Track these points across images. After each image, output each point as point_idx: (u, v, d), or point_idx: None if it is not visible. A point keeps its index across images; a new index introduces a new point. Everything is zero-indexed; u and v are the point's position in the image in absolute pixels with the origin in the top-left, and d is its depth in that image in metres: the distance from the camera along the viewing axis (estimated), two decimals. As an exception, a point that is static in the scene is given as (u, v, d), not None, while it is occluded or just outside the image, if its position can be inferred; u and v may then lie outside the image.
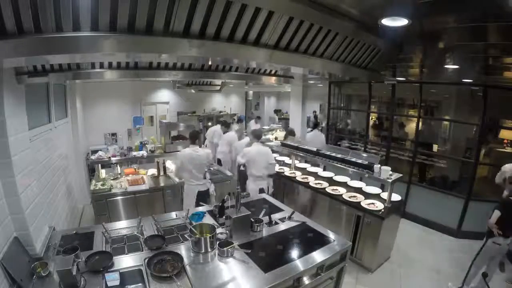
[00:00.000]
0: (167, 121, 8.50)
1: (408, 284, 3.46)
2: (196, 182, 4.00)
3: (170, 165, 5.20)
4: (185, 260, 2.20)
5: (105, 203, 4.28)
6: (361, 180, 4.64)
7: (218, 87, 6.94)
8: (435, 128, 5.76)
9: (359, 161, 3.97)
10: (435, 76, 4.71)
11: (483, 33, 2.18)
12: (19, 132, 2.14)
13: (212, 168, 5.37)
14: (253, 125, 10.85)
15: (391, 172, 3.65)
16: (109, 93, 7.41)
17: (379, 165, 3.68)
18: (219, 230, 2.64)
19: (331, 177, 4.72)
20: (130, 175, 4.89)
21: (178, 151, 5.11)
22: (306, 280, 2.25)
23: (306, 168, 5.31)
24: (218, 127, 6.68)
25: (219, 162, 6.12)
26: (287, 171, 5.13)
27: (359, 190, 4.15)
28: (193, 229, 2.50)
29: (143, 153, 5.93)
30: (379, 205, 3.59)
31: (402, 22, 2.01)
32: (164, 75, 3.23)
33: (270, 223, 2.89)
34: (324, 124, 7.84)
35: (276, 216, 3.01)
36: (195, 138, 4.06)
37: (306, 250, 2.45)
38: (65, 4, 1.32)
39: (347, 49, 2.58)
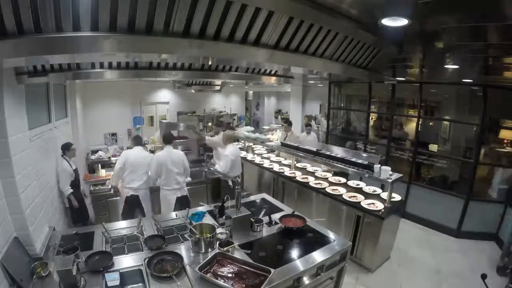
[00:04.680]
0: (167, 121, 8.49)
1: (408, 284, 3.46)
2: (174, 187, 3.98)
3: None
4: (185, 260, 2.20)
5: (105, 203, 4.29)
6: (361, 180, 4.64)
7: (218, 87, 6.93)
8: (435, 128, 5.76)
9: (359, 161, 3.98)
10: (435, 76, 4.71)
11: (483, 33, 2.18)
12: (19, 132, 2.14)
13: (212, 168, 5.37)
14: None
15: (391, 172, 3.65)
16: (109, 93, 7.40)
17: (379, 165, 3.68)
18: (219, 230, 2.64)
19: (331, 177, 4.73)
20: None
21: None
22: (306, 280, 2.25)
23: (306, 168, 5.31)
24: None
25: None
26: (287, 171, 5.13)
27: (359, 190, 4.15)
28: (193, 229, 2.50)
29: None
30: (379, 205, 3.59)
31: (402, 22, 2.01)
32: (164, 75, 3.23)
33: (270, 223, 2.89)
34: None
35: (276, 216, 3.01)
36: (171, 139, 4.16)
37: (306, 250, 2.45)
38: (65, 4, 1.31)
39: (347, 49, 2.58)
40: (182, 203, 3.90)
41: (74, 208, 3.92)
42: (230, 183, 4.37)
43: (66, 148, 3.95)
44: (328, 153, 4.47)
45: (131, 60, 2.72)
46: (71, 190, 3.87)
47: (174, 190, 3.95)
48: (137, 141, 4.21)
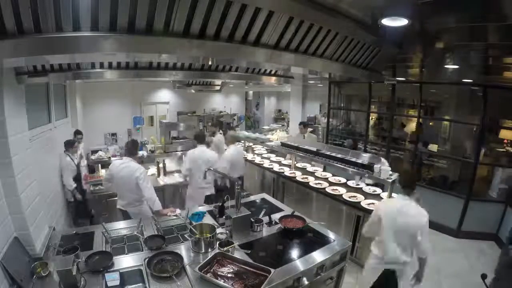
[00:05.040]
0: (167, 121, 8.49)
1: (408, 284, 3.45)
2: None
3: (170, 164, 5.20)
4: (185, 260, 2.20)
5: (105, 203, 4.28)
6: (360, 179, 4.64)
7: (218, 87, 6.92)
8: (435, 128, 5.77)
9: (359, 161, 3.97)
10: (435, 76, 4.71)
11: (483, 33, 2.18)
12: (19, 132, 2.14)
13: (212, 168, 5.36)
14: None
15: (391, 172, 3.65)
16: (109, 93, 7.40)
17: (379, 165, 3.68)
18: (219, 230, 2.64)
19: (331, 177, 4.72)
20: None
21: (177, 151, 5.11)
22: (306, 280, 2.25)
23: (306, 168, 5.31)
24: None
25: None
26: (287, 171, 5.13)
27: (359, 190, 4.15)
28: (193, 229, 2.50)
29: (143, 153, 5.92)
30: (379, 205, 3.58)
31: (402, 22, 2.01)
32: (164, 75, 3.23)
33: (270, 223, 2.89)
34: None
35: (276, 216, 3.01)
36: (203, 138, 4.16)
37: (306, 250, 2.45)
38: (65, 4, 1.31)
39: (347, 49, 2.58)
40: (210, 199, 3.97)
41: (77, 203, 4.08)
42: (228, 183, 4.33)
43: (69, 145, 4.10)
44: (328, 153, 4.47)
45: (131, 60, 2.72)
46: (75, 185, 4.02)
47: (202, 188, 3.99)
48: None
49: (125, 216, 3.33)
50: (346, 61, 2.77)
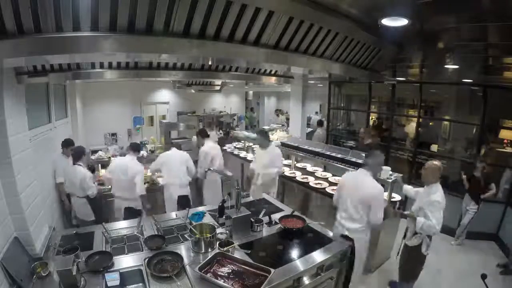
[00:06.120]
0: (167, 121, 8.50)
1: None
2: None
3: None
4: (185, 260, 2.20)
5: (105, 203, 4.28)
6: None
7: (218, 87, 6.93)
8: (435, 128, 5.77)
9: (359, 161, 3.98)
10: (435, 76, 4.71)
11: (483, 33, 2.18)
12: (19, 132, 2.14)
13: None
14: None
15: (391, 172, 3.65)
16: (109, 93, 7.41)
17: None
18: (219, 230, 2.64)
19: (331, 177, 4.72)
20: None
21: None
22: (306, 280, 2.25)
23: (306, 168, 5.31)
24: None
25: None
26: (287, 171, 5.13)
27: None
28: (193, 229, 2.50)
29: (143, 153, 5.92)
30: (379, 205, 3.58)
31: (402, 22, 2.01)
32: (164, 75, 3.24)
33: (270, 223, 2.89)
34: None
35: (276, 216, 3.00)
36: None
37: (306, 250, 2.45)
38: (65, 4, 1.32)
39: (347, 49, 2.58)
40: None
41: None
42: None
43: (83, 153, 3.69)
44: (328, 153, 4.47)
45: (131, 60, 2.72)
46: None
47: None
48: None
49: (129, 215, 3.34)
50: (346, 61, 2.77)
